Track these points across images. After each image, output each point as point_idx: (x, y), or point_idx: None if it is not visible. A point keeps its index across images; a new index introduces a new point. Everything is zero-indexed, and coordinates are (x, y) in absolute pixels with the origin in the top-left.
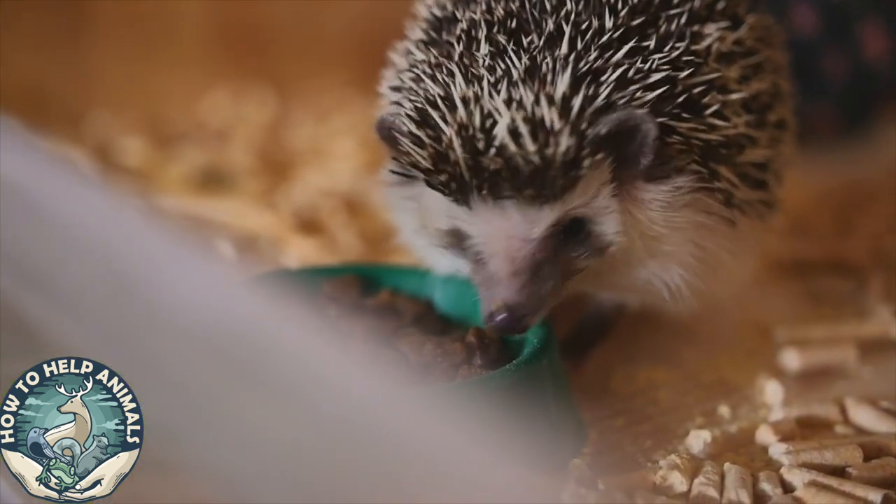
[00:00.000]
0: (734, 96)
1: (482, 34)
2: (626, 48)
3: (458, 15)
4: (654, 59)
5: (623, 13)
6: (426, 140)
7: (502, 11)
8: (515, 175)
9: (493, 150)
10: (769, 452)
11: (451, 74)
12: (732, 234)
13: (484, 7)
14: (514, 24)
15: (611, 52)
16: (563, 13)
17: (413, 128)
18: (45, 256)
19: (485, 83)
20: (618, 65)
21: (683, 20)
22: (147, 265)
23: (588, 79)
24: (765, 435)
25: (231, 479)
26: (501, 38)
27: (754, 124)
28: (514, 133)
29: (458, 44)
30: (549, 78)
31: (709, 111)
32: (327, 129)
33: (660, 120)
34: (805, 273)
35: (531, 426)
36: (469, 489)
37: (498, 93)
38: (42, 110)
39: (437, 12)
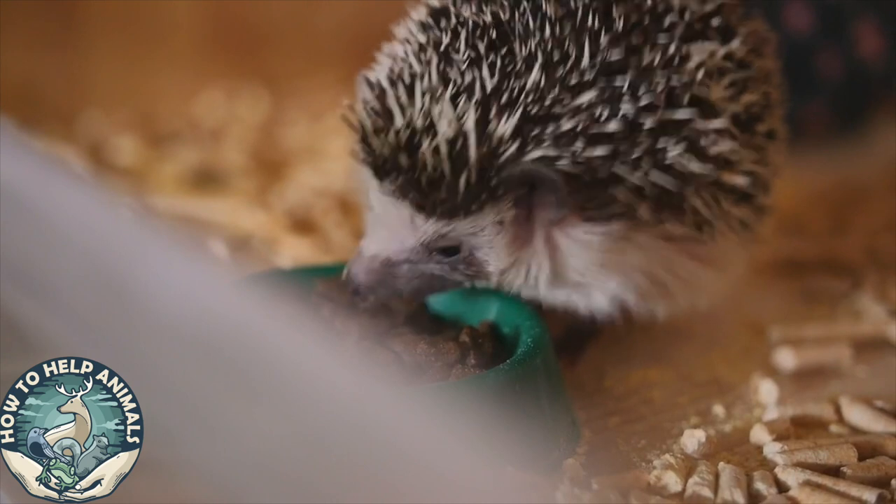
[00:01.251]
0: (715, 125)
1: (465, 36)
2: (591, 93)
3: (453, 9)
4: (619, 107)
5: (604, 43)
6: (373, 112)
7: (489, 17)
8: (419, 183)
9: (413, 153)
10: (764, 452)
11: (430, 64)
12: (704, 251)
13: (474, 8)
14: (494, 34)
15: (571, 95)
16: (544, 35)
17: (369, 97)
18: (38, 257)
19: (449, 90)
20: (574, 113)
21: (672, 46)
22: (140, 265)
23: (536, 129)
24: (759, 434)
25: (224, 479)
26: (481, 46)
27: (741, 139)
28: (435, 150)
29: (447, 36)
30: (500, 114)
31: (676, 151)
32: (320, 128)
33: (604, 172)
34: (799, 272)
35: (525, 426)
36: (463, 489)
37: (454, 105)
38: (35, 109)
39: (436, 3)
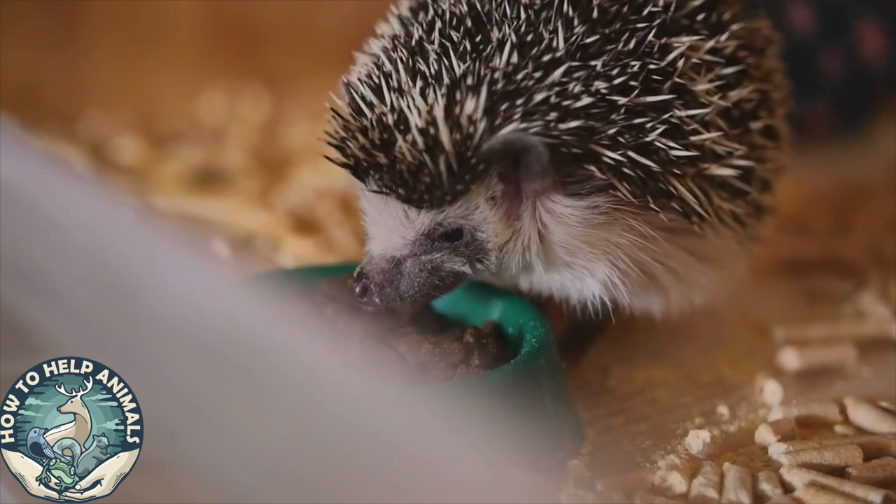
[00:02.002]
0: (697, 111)
1: (440, 26)
2: (564, 67)
3: (432, 2)
4: (592, 84)
5: (578, 27)
6: (347, 116)
7: (465, 7)
8: (402, 175)
9: (390, 149)
10: (769, 452)
11: (398, 61)
12: (698, 244)
13: (453, 0)
14: (469, 23)
15: (544, 71)
16: (521, 20)
17: (345, 100)
18: (40, 256)
19: (417, 82)
20: (547, 87)
21: (650, 35)
22: (143, 265)
23: (505, 103)
24: (764, 435)
25: (229, 479)
26: (455, 35)
27: (732, 133)
28: (412, 143)
29: (420, 30)
30: (465, 95)
31: (655, 133)
32: (322, 128)
33: (579, 147)
34: (803, 272)
35: (529, 426)
36: (467, 490)
37: (424, 97)
38: (37, 109)
39: None
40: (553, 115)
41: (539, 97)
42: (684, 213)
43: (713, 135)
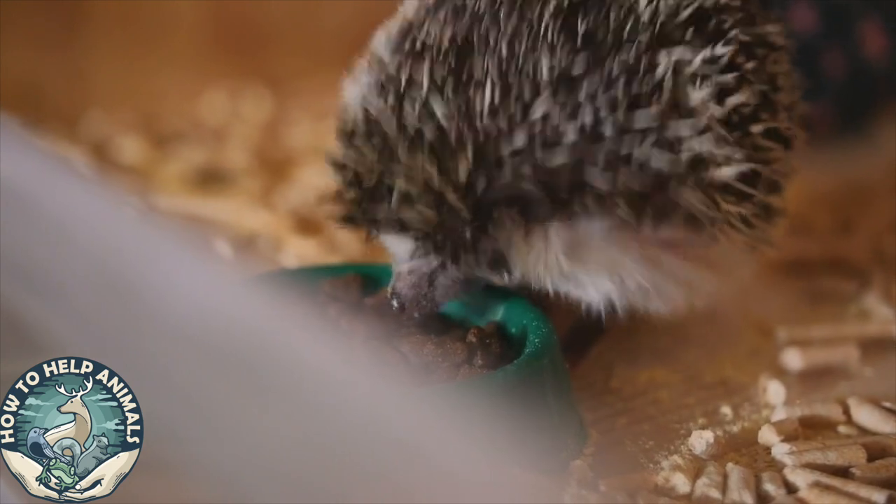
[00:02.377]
0: (689, 121)
1: (429, 57)
2: (548, 103)
3: (418, 31)
4: (577, 115)
5: (564, 55)
6: (341, 167)
7: (451, 34)
8: (406, 232)
9: (389, 206)
10: (772, 453)
11: (385, 110)
12: (706, 250)
13: (442, 22)
14: (453, 57)
15: (529, 110)
16: (502, 53)
17: (338, 147)
18: (42, 256)
19: (404, 135)
20: (529, 125)
21: (632, 55)
22: (145, 264)
23: (492, 152)
24: (767, 435)
25: (230, 479)
26: (443, 70)
27: (731, 138)
28: (408, 198)
29: (406, 66)
30: (454, 153)
31: (645, 152)
32: (324, 127)
33: (569, 182)
34: (806, 272)
35: (532, 426)
36: (470, 490)
37: (413, 158)
38: (38, 109)
39: (410, 15)
40: (539, 154)
41: (523, 138)
42: (691, 224)
43: (707, 145)
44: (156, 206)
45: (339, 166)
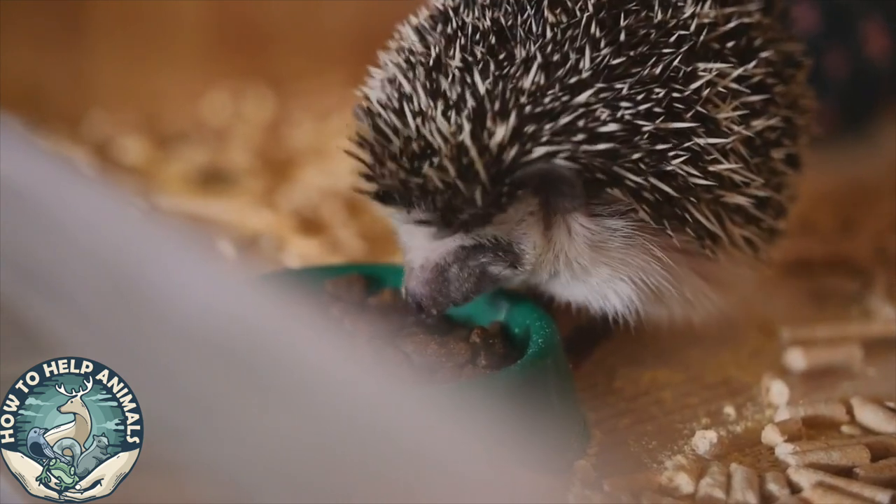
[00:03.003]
0: (718, 140)
1: (462, 41)
2: (589, 92)
3: (454, 14)
4: (619, 107)
5: (605, 49)
6: (371, 144)
7: (489, 21)
8: (435, 203)
9: (419, 176)
10: (776, 453)
11: (417, 81)
12: (708, 267)
13: (477, 12)
14: (494, 40)
15: (571, 94)
16: (545, 40)
17: (365, 129)
18: (47, 256)
19: (439, 105)
20: (573, 109)
21: (676, 60)
22: (150, 264)
23: (532, 126)
24: (771, 435)
25: (234, 479)
26: (479, 50)
27: (752, 162)
28: (441, 168)
29: (440, 45)
30: (494, 120)
31: (677, 161)
32: (326, 128)
33: (603, 172)
34: (809, 272)
35: (536, 426)
36: (474, 490)
37: (446, 119)
38: (41, 110)
39: (441, 4)
40: (580, 137)
41: (565, 120)
42: (698, 237)
43: (733, 165)
44: (158, 206)
45: (367, 140)
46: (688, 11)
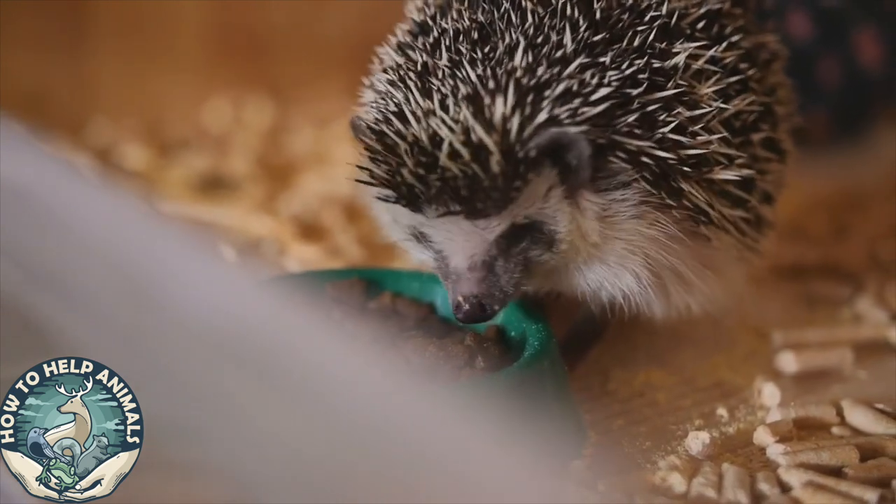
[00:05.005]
0: (702, 110)
1: (446, 43)
2: (577, 62)
3: (433, 23)
4: (606, 75)
5: (584, 29)
6: (381, 154)
7: (469, 21)
8: (458, 192)
9: (437, 169)
10: (767, 453)
11: (410, 87)
12: (702, 248)
13: (455, 16)
14: (476, 35)
15: (561, 66)
16: (525, 26)
17: (371, 141)
18: (54, 259)
19: (435, 98)
20: (565, 78)
21: (651, 36)
22: (156, 266)
23: (530, 96)
24: (762, 436)
25: (239, 479)
26: (463, 48)
27: (734, 141)
28: (454, 154)
29: (425, 52)
30: (492, 96)
31: (666, 128)
32: (327, 134)
33: (603, 137)
34: (802, 277)
35: (533, 427)
36: (472, 489)
37: (446, 110)
38: (43, 117)
39: (418, 17)
40: (576, 101)
41: (560, 88)
42: (696, 214)
43: (716, 136)
44: (161, 212)
45: (379, 150)
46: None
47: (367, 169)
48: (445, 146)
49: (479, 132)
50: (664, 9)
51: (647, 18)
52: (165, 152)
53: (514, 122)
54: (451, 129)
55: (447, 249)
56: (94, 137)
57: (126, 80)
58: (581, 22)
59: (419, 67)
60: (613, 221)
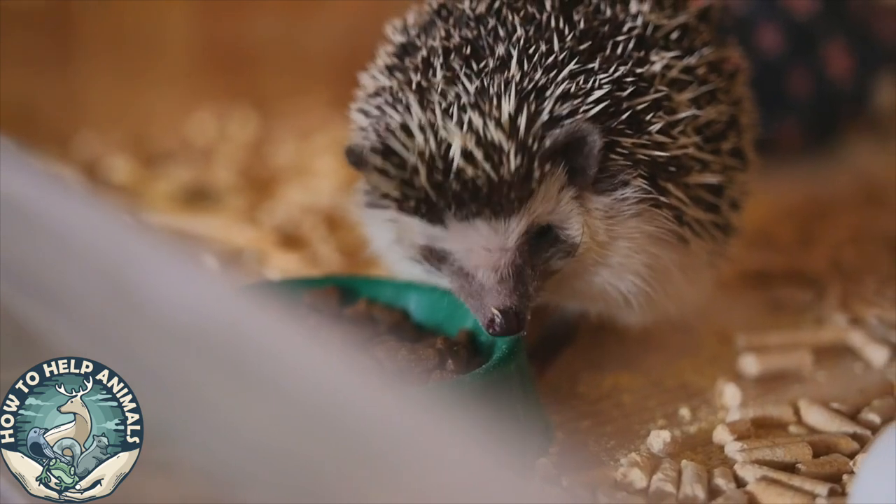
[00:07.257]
0: (681, 115)
1: (439, 61)
2: (569, 68)
3: (419, 42)
4: (597, 79)
5: (570, 39)
6: (392, 171)
7: (458, 39)
8: (477, 194)
9: (452, 174)
10: (725, 451)
11: (409, 103)
12: (683, 251)
13: (443, 34)
14: (468, 51)
15: (555, 71)
16: (514, 39)
17: (378, 161)
18: (42, 266)
19: (437, 109)
20: (561, 82)
21: (631, 45)
22: (139, 271)
23: (532, 96)
24: (722, 434)
25: (225, 479)
26: (456, 64)
27: (706, 148)
28: (468, 156)
29: (417, 72)
30: (495, 100)
31: (653, 128)
32: (309, 147)
33: (602, 135)
34: (767, 283)
35: (500, 426)
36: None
37: (451, 117)
38: (31, 130)
39: (401, 38)
40: (576, 101)
41: (560, 89)
42: (678, 217)
43: (694, 139)
44: (145, 222)
45: (389, 168)
46: (633, 9)
47: (374, 190)
48: (458, 150)
49: (490, 131)
50: (640, 20)
51: (625, 29)
52: (151, 164)
53: (523, 119)
54: (460, 133)
55: (469, 264)
56: (80, 150)
57: (112, 93)
58: (566, 32)
59: (414, 86)
60: (617, 221)
